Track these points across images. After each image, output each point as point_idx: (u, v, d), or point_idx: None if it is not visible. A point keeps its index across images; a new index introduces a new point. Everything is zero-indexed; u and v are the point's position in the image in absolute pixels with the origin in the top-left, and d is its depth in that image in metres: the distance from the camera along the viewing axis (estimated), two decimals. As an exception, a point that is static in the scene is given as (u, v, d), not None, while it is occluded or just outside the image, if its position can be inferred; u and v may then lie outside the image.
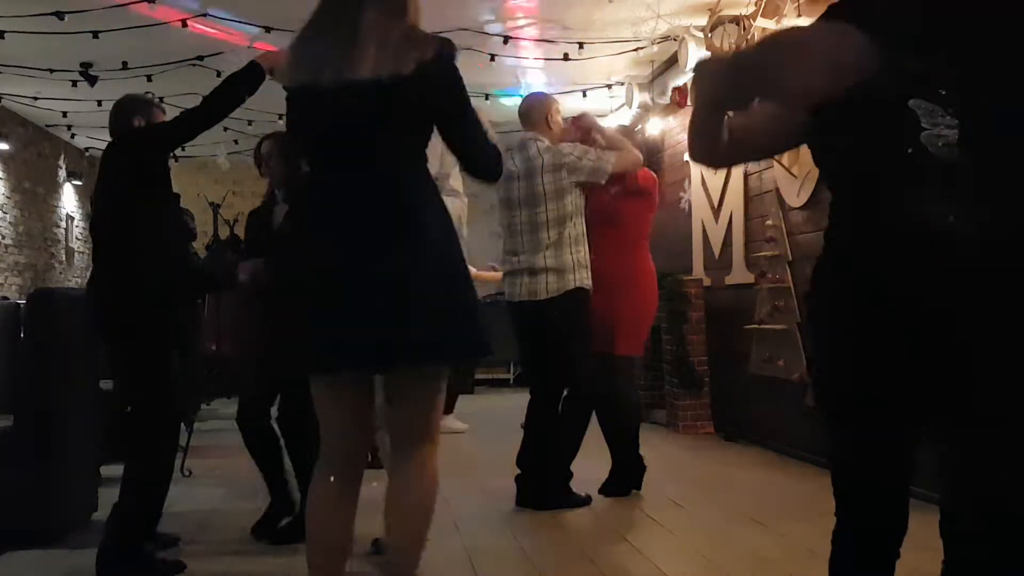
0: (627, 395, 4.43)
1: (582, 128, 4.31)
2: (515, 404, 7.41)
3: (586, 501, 4.19)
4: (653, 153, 7.94)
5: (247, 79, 3.26)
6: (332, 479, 2.16)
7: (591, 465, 4.33)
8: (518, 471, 4.21)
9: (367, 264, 2.05)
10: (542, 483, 4.14)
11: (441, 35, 2.20)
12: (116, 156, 3.43)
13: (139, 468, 3.23)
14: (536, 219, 4.08)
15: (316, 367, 2.14)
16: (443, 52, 2.11)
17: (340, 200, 2.11)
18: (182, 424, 5.21)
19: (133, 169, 3.34)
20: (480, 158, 2.25)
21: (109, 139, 3.56)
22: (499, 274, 4.77)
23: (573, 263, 4.07)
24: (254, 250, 3.77)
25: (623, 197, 4.37)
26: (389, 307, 2.02)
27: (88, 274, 3.69)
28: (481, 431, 6.71)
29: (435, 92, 2.11)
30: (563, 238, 4.06)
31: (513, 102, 8.11)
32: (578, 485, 4.24)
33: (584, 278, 4.11)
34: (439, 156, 2.83)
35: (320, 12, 2.17)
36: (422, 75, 2.05)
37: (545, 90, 7.92)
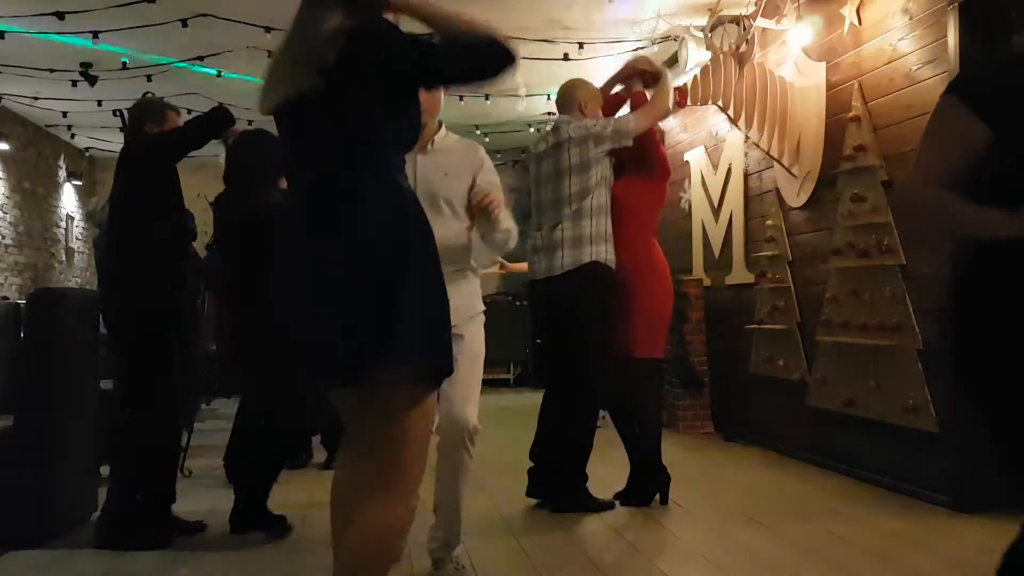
0: (645, 402, 4.12)
1: (631, 71, 4.40)
2: (515, 404, 7.42)
3: (609, 506, 4.04)
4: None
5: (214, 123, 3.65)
6: (348, 463, 2.13)
7: (609, 471, 4.31)
8: (529, 465, 4.17)
9: (305, 273, 1.95)
10: (557, 483, 4.05)
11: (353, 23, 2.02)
12: (120, 166, 3.66)
13: (125, 456, 3.55)
14: (559, 194, 3.99)
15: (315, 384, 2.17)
16: (351, 33, 1.95)
17: (295, 214, 2.05)
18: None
19: (134, 178, 3.58)
20: (467, 64, 2.04)
21: (122, 142, 3.85)
22: (524, 264, 4.54)
23: (592, 235, 3.89)
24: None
25: (634, 183, 4.16)
26: (319, 321, 1.91)
27: (87, 274, 3.81)
28: (481, 431, 6.70)
29: (363, 75, 1.94)
30: (583, 209, 3.93)
31: (512, 102, 8.14)
32: (596, 490, 4.10)
33: (605, 252, 3.90)
34: None
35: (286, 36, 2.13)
36: (340, 68, 1.91)
37: (545, 90, 7.97)
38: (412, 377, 1.95)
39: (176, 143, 3.61)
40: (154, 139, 3.64)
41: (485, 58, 2.00)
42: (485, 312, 3.12)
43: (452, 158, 3.00)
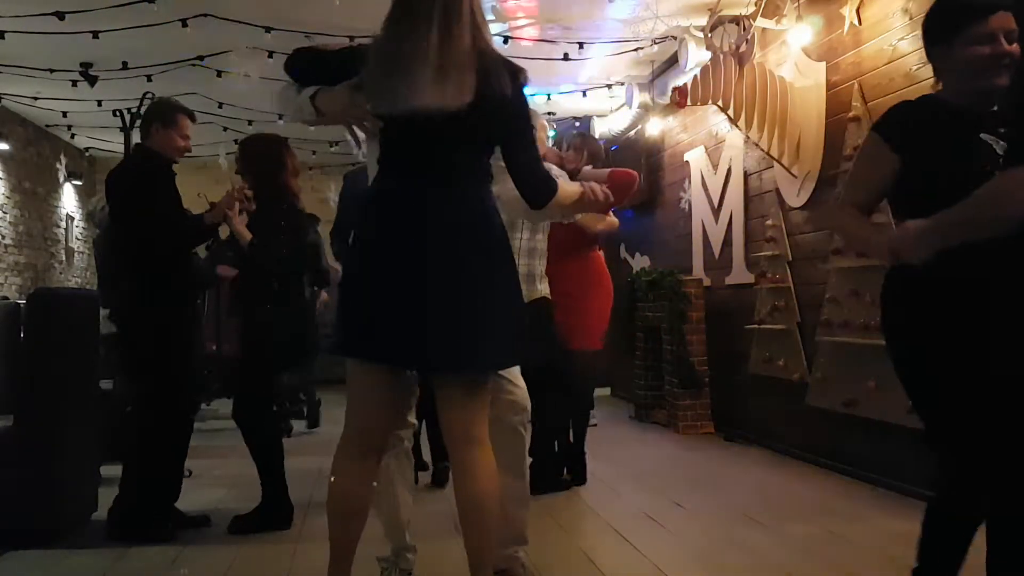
0: (581, 386, 4.65)
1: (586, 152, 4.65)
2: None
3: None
4: (653, 153, 7.95)
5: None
6: (350, 450, 2.30)
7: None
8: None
9: (425, 272, 2.17)
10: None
11: (509, 59, 2.27)
12: (112, 175, 3.72)
13: (139, 463, 3.65)
14: (513, 222, 4.06)
15: (363, 354, 2.26)
16: (514, 81, 2.22)
17: (409, 209, 2.21)
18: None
19: (131, 191, 3.64)
20: (532, 184, 2.34)
21: (122, 142, 3.91)
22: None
23: (540, 273, 4.01)
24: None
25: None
26: (435, 314, 2.15)
27: (87, 274, 3.86)
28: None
29: (502, 118, 2.22)
30: (535, 246, 3.94)
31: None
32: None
33: (546, 289, 4.05)
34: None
35: (389, 37, 2.20)
36: (490, 102, 2.15)
37: (545, 90, 7.97)
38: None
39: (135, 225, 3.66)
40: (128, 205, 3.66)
41: (545, 197, 2.37)
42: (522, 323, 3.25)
43: None
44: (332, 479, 2.32)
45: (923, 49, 2.22)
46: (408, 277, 2.17)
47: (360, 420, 2.32)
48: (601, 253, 4.72)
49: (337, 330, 2.30)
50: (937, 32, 2.16)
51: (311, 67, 2.36)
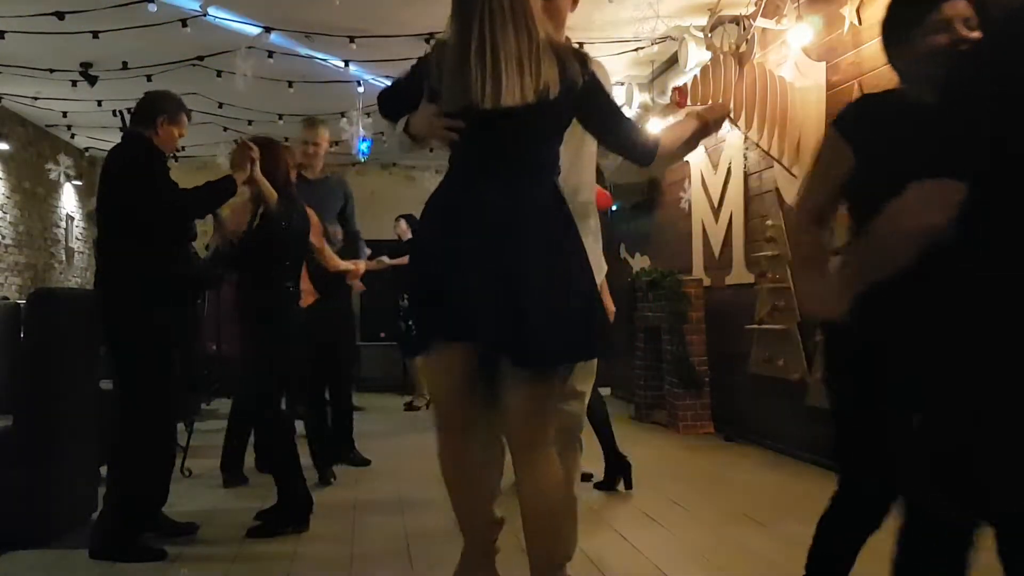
0: None
1: None
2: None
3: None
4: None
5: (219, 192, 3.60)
6: (449, 438, 2.37)
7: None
8: None
9: (497, 261, 2.19)
10: None
11: (576, 46, 2.34)
12: (115, 163, 3.55)
13: (123, 465, 3.48)
14: None
15: (439, 334, 2.30)
16: (585, 68, 2.25)
17: (485, 199, 2.24)
18: (182, 424, 5.25)
19: (131, 179, 3.47)
20: (634, 150, 2.40)
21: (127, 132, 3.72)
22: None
23: None
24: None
25: None
26: (511, 302, 2.16)
27: (87, 274, 3.74)
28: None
29: (582, 107, 2.28)
30: None
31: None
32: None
33: None
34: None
35: (459, 35, 2.22)
36: (567, 94, 2.20)
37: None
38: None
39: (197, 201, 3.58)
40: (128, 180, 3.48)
41: (651, 154, 2.42)
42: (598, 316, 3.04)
43: None
44: (444, 472, 2.39)
45: (886, 61, 2.14)
46: (481, 268, 2.19)
47: (446, 409, 2.38)
48: None
49: (421, 316, 2.34)
50: (894, 31, 2.11)
51: (391, 100, 2.44)
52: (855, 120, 2.13)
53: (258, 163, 3.68)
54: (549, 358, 2.23)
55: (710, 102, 5.34)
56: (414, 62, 2.39)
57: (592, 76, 2.28)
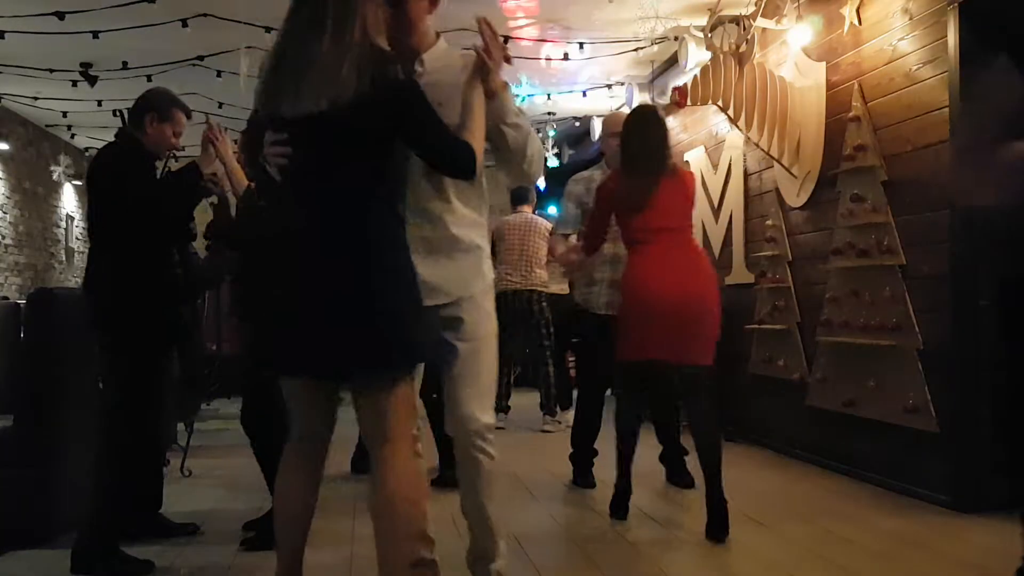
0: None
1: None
2: (517, 403, 7.40)
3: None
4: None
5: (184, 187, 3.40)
6: (294, 454, 2.38)
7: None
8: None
9: (316, 282, 2.18)
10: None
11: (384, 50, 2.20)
12: (92, 165, 3.44)
13: (109, 469, 3.31)
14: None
15: (276, 370, 2.38)
16: (386, 74, 2.16)
17: (299, 219, 2.24)
18: (183, 424, 5.25)
19: (117, 180, 3.32)
20: (445, 163, 2.32)
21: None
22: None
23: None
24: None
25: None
26: (335, 323, 2.15)
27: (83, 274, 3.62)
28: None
29: (392, 117, 2.18)
30: (619, 252, 4.17)
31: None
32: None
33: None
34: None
35: (280, 41, 2.24)
36: (367, 100, 2.11)
37: (545, 90, 7.98)
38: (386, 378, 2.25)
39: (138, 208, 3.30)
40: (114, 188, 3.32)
41: (465, 168, 2.32)
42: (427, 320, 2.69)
43: (446, 80, 2.40)
44: (277, 484, 2.41)
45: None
46: (300, 286, 2.20)
47: (301, 425, 2.38)
48: (641, 248, 3.81)
49: (257, 353, 2.40)
50: None
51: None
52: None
53: (222, 146, 3.52)
54: (360, 377, 2.24)
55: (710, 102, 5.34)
56: None
57: (408, 84, 2.22)
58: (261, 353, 2.33)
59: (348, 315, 2.13)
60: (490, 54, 2.38)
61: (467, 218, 2.50)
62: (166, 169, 3.73)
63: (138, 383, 3.30)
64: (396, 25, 2.30)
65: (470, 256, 2.52)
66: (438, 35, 2.52)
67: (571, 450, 4.80)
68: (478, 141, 2.33)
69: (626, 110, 7.75)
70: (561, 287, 7.03)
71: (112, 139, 3.58)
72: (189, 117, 3.58)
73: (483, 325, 2.54)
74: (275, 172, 2.28)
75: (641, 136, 3.83)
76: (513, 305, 6.73)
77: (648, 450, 4.56)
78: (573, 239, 4.56)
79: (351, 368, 2.20)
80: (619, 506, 3.91)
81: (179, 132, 3.52)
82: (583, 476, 4.66)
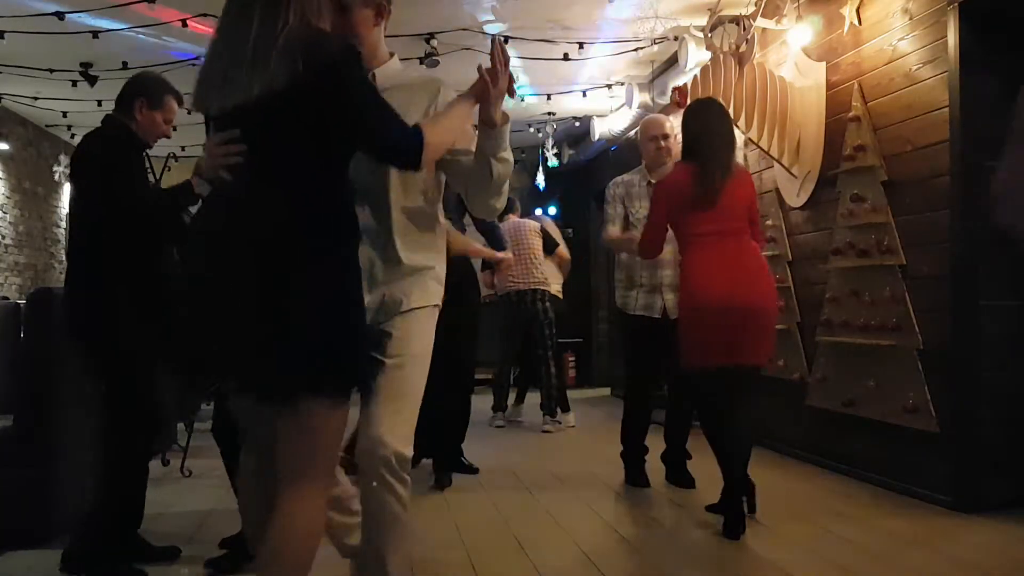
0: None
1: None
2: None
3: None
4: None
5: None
6: (251, 465, 2.24)
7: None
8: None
9: (242, 290, 2.00)
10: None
11: (341, 36, 2.06)
12: (79, 150, 3.22)
13: (106, 474, 3.19)
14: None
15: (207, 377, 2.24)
16: (320, 49, 1.94)
17: (227, 217, 2.11)
18: (182, 424, 5.25)
19: (104, 173, 3.08)
20: (388, 148, 2.06)
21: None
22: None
23: (664, 283, 4.52)
24: None
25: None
26: (255, 336, 1.96)
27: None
28: (480, 431, 6.72)
29: (320, 98, 1.94)
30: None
31: (512, 103, 8.13)
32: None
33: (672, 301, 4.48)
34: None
35: (212, 40, 2.09)
36: (299, 81, 1.90)
37: (545, 90, 7.97)
38: (311, 395, 1.95)
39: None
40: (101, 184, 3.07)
41: (404, 157, 2.07)
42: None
43: (398, 99, 2.15)
44: (240, 495, 2.31)
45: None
46: (228, 288, 2.04)
47: (252, 433, 2.24)
48: (703, 249, 3.69)
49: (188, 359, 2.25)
50: None
51: None
52: None
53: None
54: (278, 392, 1.96)
55: None
56: None
57: (343, 57, 1.95)
58: (189, 359, 2.20)
59: (276, 321, 1.92)
60: (495, 80, 2.23)
61: (415, 240, 2.35)
62: (166, 170, 3.64)
63: (122, 396, 3.12)
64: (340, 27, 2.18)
65: (414, 276, 2.36)
66: (392, 54, 2.44)
67: (622, 448, 4.76)
68: (444, 149, 2.19)
69: (626, 110, 7.77)
70: (557, 289, 7.08)
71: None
72: (181, 104, 3.33)
73: (414, 343, 2.31)
74: (225, 174, 2.05)
75: (718, 129, 3.69)
76: (518, 305, 6.79)
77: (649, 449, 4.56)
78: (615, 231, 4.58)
79: (275, 378, 1.94)
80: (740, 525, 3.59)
81: (170, 120, 3.32)
82: (634, 475, 4.64)
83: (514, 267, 6.71)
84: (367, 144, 2.06)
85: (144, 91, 3.24)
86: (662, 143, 4.54)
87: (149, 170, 3.54)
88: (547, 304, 6.83)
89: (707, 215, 3.63)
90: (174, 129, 3.48)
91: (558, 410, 6.92)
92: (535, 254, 6.80)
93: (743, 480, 3.69)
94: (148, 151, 3.39)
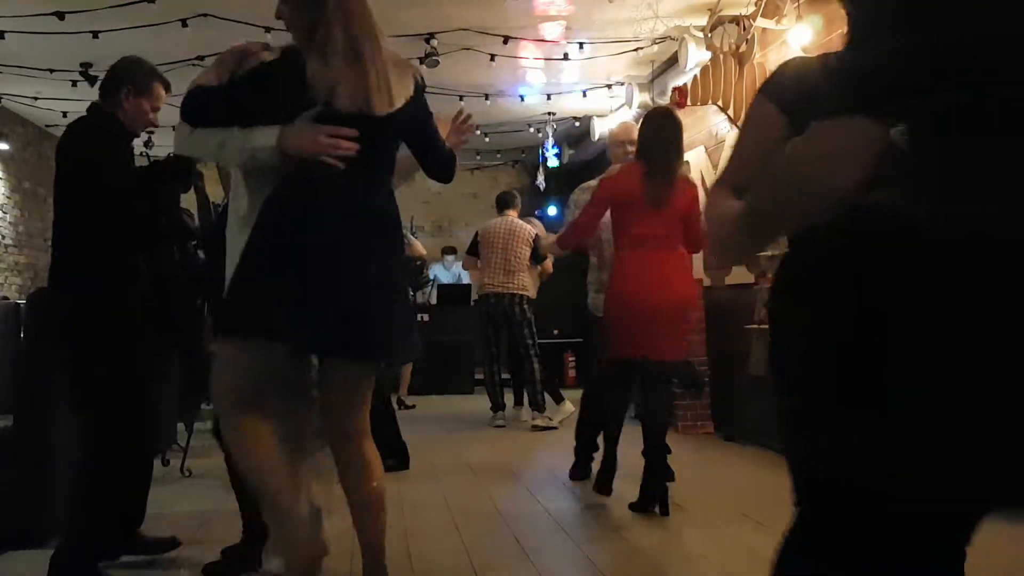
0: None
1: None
2: (509, 402, 7.41)
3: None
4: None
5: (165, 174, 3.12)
6: (243, 416, 2.33)
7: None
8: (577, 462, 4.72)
9: (342, 259, 2.30)
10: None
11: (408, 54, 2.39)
12: (63, 139, 3.10)
13: (88, 484, 3.06)
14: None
15: (260, 330, 2.28)
16: (420, 79, 2.47)
17: (331, 198, 2.35)
18: (182, 424, 5.25)
19: (89, 164, 2.96)
20: (444, 166, 2.63)
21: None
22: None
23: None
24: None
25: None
26: (348, 300, 2.28)
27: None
28: (480, 431, 6.72)
29: (417, 116, 2.48)
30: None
31: (512, 102, 8.14)
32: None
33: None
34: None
35: (342, 43, 2.31)
36: (413, 103, 2.41)
37: (545, 90, 7.97)
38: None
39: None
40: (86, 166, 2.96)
41: (452, 172, 2.70)
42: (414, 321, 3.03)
43: None
44: (237, 453, 2.42)
45: None
46: (322, 271, 2.28)
47: (247, 393, 2.35)
48: (638, 253, 3.94)
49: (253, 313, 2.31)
50: None
51: (219, 106, 2.37)
52: (791, 81, 1.69)
53: None
54: (379, 353, 2.44)
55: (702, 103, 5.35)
56: (254, 67, 2.38)
57: (423, 90, 2.49)
58: (260, 324, 2.29)
59: (378, 293, 2.34)
60: (450, 139, 2.72)
61: None
62: (149, 145, 3.47)
63: (109, 398, 2.99)
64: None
65: None
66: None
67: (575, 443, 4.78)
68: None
69: (626, 110, 7.77)
70: (532, 295, 7.14)
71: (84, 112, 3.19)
72: (169, 91, 3.22)
73: None
74: (334, 162, 2.32)
75: (671, 137, 3.92)
76: (496, 308, 6.92)
77: (630, 447, 4.55)
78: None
79: (379, 343, 2.36)
80: (605, 483, 4.12)
81: (157, 107, 3.17)
82: (579, 468, 4.73)
83: (496, 272, 6.82)
84: (434, 160, 2.61)
85: (130, 78, 3.10)
86: (628, 148, 4.62)
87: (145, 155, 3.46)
88: (524, 307, 6.93)
89: (649, 217, 3.87)
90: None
91: (546, 405, 6.94)
92: (520, 262, 6.90)
93: (662, 448, 3.99)
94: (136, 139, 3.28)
